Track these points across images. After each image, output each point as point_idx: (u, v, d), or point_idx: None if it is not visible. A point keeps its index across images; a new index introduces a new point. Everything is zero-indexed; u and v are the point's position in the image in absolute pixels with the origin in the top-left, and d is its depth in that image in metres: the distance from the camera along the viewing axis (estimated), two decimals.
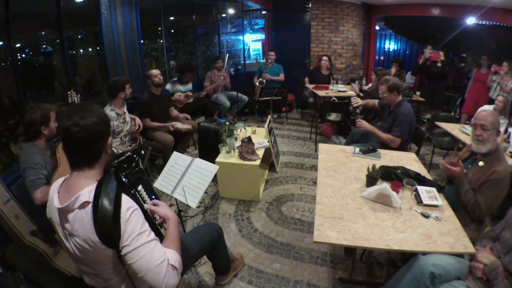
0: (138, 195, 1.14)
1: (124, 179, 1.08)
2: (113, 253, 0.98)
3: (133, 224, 0.95)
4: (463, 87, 5.53)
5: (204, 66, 6.40)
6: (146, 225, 1.00)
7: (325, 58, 5.14)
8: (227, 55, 5.74)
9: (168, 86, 4.11)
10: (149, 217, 1.14)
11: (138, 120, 3.01)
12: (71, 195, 0.96)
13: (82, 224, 0.95)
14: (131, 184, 1.12)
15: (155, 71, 3.29)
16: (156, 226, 1.18)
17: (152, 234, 1.01)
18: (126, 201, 0.98)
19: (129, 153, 1.25)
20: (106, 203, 0.92)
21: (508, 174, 1.68)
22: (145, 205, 1.15)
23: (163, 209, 1.18)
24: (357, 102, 3.22)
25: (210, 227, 1.74)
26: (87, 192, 0.96)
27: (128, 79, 2.79)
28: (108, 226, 0.91)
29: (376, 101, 3.15)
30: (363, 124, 2.76)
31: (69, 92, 2.21)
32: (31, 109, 1.81)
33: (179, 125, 3.40)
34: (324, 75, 5.17)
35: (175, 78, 4.24)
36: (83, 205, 0.95)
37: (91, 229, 0.93)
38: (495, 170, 1.66)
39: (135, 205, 1.00)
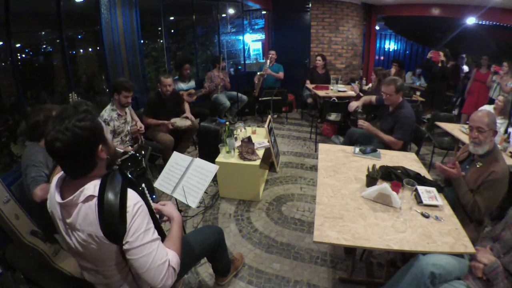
0: (145, 192, 1.14)
1: (130, 176, 1.06)
2: (117, 248, 0.97)
3: (140, 220, 0.95)
4: (463, 86, 5.52)
5: (204, 66, 6.40)
6: (151, 223, 1.00)
7: (318, 58, 5.19)
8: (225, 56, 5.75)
9: None
10: (153, 214, 1.14)
11: (139, 123, 3.00)
12: (75, 189, 0.95)
13: (86, 218, 0.94)
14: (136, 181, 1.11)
15: (167, 81, 3.20)
16: (160, 224, 1.18)
17: (156, 233, 1.00)
18: (133, 196, 0.97)
19: (131, 152, 1.25)
20: (112, 197, 0.90)
21: (506, 173, 1.68)
22: (152, 204, 1.15)
23: (169, 208, 1.19)
24: (352, 106, 3.14)
25: (213, 229, 1.73)
26: (92, 186, 0.94)
27: (130, 88, 2.67)
28: (114, 221, 0.89)
29: (373, 97, 3.09)
30: (365, 125, 2.74)
31: (70, 95, 2.20)
32: (35, 111, 1.83)
33: (178, 122, 3.38)
34: (320, 74, 5.22)
35: (176, 77, 4.24)
36: (88, 199, 0.93)
37: (95, 224, 0.92)
38: (493, 170, 1.67)
39: (142, 201, 0.99)
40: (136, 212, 0.94)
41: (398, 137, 2.62)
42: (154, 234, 0.99)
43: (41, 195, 1.63)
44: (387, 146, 2.67)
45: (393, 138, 2.63)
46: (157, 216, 1.18)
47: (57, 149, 0.87)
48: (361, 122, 2.75)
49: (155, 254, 0.96)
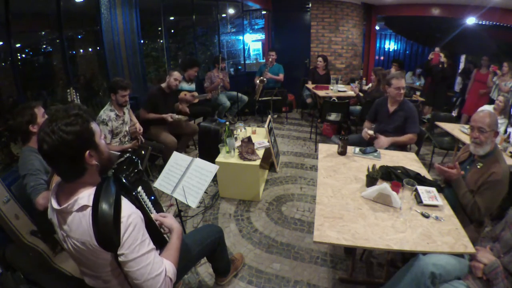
0: (140, 197, 1.14)
1: (124, 181, 1.06)
2: (111, 256, 0.97)
3: (136, 232, 0.94)
4: (463, 87, 5.52)
5: (204, 66, 6.40)
6: (146, 234, 1.00)
7: (319, 59, 5.18)
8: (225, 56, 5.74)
9: None
10: (151, 220, 1.14)
11: (138, 124, 2.99)
12: (70, 197, 0.96)
13: (80, 227, 0.94)
14: (131, 185, 1.11)
15: (178, 75, 3.27)
16: (159, 230, 1.19)
17: (151, 243, 1.00)
18: (127, 206, 0.97)
19: (127, 154, 1.24)
20: (106, 207, 0.89)
21: (507, 175, 1.67)
22: (153, 215, 1.15)
23: (169, 220, 1.21)
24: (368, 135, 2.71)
25: (212, 229, 1.73)
26: (86, 196, 0.95)
27: (126, 86, 2.66)
28: (108, 231, 0.89)
29: (366, 125, 2.95)
30: (381, 141, 2.60)
31: (68, 90, 2.20)
32: (16, 112, 1.78)
33: (175, 115, 3.36)
34: (321, 75, 5.21)
35: None
36: (82, 208, 0.94)
37: (89, 233, 0.92)
38: (493, 171, 1.66)
39: (136, 211, 0.99)
40: (130, 224, 0.93)
41: (415, 131, 2.62)
42: (149, 244, 0.99)
43: (43, 204, 1.61)
44: (399, 147, 2.65)
45: (411, 135, 2.62)
46: (156, 221, 1.19)
47: (45, 151, 0.88)
48: (376, 139, 2.61)
49: (152, 265, 0.96)
